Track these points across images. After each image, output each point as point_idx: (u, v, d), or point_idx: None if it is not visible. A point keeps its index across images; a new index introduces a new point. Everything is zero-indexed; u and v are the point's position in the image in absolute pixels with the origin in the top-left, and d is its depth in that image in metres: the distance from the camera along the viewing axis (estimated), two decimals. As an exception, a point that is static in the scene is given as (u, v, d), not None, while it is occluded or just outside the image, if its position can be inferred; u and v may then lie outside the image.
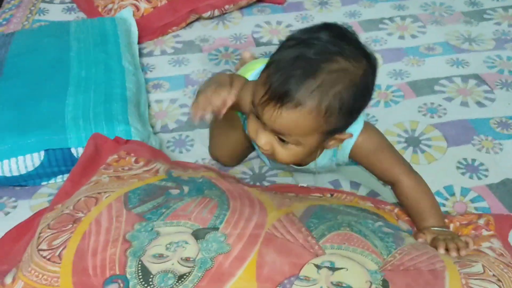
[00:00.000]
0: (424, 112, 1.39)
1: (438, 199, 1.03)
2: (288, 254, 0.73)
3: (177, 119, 1.37)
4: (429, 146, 1.26)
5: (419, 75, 1.55)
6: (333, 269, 0.71)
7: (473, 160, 1.22)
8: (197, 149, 1.26)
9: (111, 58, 1.34)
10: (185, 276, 0.69)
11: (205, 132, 1.31)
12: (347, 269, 0.71)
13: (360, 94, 0.79)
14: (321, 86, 0.74)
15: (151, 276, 0.69)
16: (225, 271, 0.69)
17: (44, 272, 0.71)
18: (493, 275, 0.75)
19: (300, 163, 0.99)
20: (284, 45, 0.81)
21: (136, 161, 0.97)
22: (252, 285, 0.68)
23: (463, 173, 1.18)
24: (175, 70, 1.60)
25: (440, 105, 1.41)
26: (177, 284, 0.68)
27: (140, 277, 0.69)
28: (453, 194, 1.12)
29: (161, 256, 0.71)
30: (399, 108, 1.41)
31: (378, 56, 1.47)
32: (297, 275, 0.70)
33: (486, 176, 1.17)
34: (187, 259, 0.71)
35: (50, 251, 0.74)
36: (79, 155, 1.06)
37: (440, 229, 0.90)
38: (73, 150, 1.08)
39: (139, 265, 0.70)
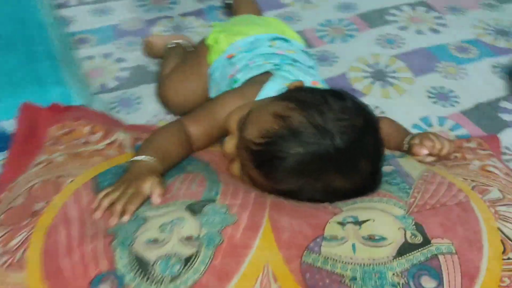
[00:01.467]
0: (383, 44, 1.32)
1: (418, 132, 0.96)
2: (303, 216, 0.62)
3: (116, 76, 1.18)
4: (396, 78, 1.20)
5: (367, 6, 1.48)
6: (358, 223, 0.61)
7: (442, 88, 1.18)
8: (147, 107, 1.10)
9: (27, 10, 1.11)
10: (192, 258, 0.56)
11: (152, 87, 1.14)
12: (374, 220, 0.62)
13: None
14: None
15: (150, 265, 0.55)
16: (239, 243, 0.57)
17: (5, 286, 0.55)
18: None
19: None
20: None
21: (92, 132, 0.80)
22: (275, 254, 0.57)
23: (435, 102, 1.13)
24: (99, 21, 1.39)
25: (397, 35, 1.35)
26: (186, 268, 0.55)
27: (136, 268, 0.55)
28: (431, 125, 1.07)
29: (156, 240, 0.58)
30: (356, 42, 1.33)
31: None
32: (322, 236, 0.60)
33: (458, 102, 1.13)
34: (188, 238, 0.58)
35: (7, 256, 0.57)
36: (10, 129, 0.87)
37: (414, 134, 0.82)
38: (1, 124, 0.88)
39: (132, 255, 0.56)
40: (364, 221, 0.62)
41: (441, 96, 1.15)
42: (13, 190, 0.68)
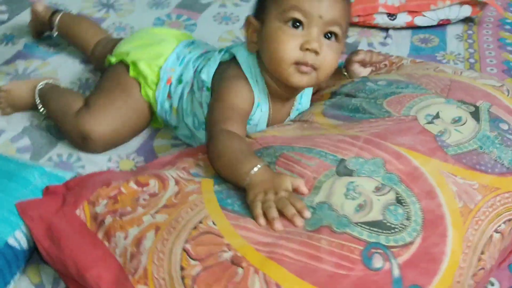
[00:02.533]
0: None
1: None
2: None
3: None
4: None
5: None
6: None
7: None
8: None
9: None
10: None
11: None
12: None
13: None
14: None
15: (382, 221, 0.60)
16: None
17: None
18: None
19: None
20: None
21: (141, 184, 0.70)
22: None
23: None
24: None
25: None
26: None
27: (380, 231, 0.59)
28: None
29: (361, 206, 0.63)
30: None
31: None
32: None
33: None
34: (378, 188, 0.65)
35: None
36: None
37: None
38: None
39: (364, 226, 0.59)
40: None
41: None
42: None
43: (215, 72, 0.87)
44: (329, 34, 0.79)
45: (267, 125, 0.87)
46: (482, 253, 0.61)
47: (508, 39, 1.34)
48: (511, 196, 0.65)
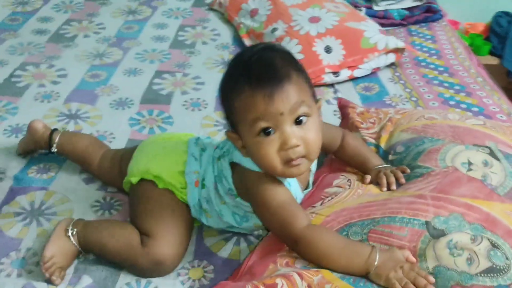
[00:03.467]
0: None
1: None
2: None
3: None
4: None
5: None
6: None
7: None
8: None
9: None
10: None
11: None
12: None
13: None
14: (286, 62, 0.84)
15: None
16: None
17: None
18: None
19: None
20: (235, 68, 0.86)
21: (271, 286, 0.74)
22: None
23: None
24: None
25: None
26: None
27: None
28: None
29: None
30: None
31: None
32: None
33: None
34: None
35: None
36: None
37: (381, 166, 0.99)
38: None
39: None
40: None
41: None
42: None
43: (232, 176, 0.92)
44: (299, 119, 0.81)
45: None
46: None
47: (429, 74, 1.61)
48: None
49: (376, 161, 1.00)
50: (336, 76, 1.55)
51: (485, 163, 0.90)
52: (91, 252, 0.96)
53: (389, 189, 0.92)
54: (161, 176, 0.98)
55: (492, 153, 0.93)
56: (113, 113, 1.41)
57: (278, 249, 0.86)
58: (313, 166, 0.97)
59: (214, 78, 1.57)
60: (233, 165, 0.93)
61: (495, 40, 2.16)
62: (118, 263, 0.94)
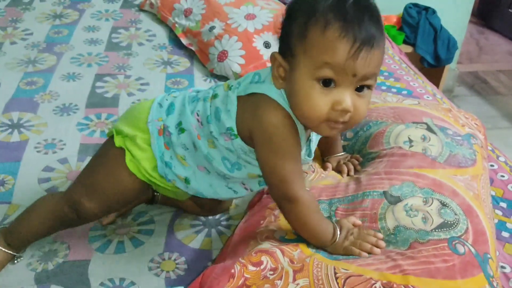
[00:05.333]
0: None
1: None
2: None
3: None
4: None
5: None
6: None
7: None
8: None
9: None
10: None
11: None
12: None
13: None
14: (380, 23, 0.75)
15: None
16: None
17: None
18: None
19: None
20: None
21: (258, 263, 0.79)
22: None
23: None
24: None
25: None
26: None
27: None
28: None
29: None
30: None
31: None
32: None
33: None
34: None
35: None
36: None
37: (340, 154, 1.07)
38: None
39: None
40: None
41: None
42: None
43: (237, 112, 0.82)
44: (363, 87, 0.75)
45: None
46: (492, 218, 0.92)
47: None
48: (485, 177, 0.99)
49: (337, 149, 1.08)
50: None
51: (424, 138, 1.03)
52: (26, 243, 0.96)
53: (348, 175, 1.02)
54: (121, 129, 0.91)
55: (429, 128, 1.05)
56: (58, 120, 1.39)
57: (255, 226, 0.92)
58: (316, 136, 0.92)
59: (158, 78, 1.60)
60: (242, 100, 0.83)
61: (408, 30, 2.36)
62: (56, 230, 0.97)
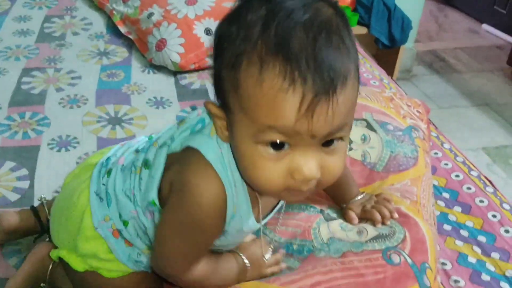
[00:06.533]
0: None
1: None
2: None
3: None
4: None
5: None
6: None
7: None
8: None
9: None
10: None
11: None
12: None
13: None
14: (346, 45, 0.52)
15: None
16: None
17: None
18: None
19: None
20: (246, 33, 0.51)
21: None
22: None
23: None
24: None
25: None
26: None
27: None
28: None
29: None
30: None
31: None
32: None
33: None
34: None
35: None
36: None
37: (361, 196, 0.84)
38: None
39: None
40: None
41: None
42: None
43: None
44: (331, 141, 0.54)
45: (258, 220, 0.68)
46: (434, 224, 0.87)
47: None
48: (427, 176, 0.93)
49: (354, 190, 0.84)
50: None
51: (364, 139, 0.96)
52: None
53: (383, 223, 0.79)
54: (66, 257, 0.75)
55: (368, 125, 0.99)
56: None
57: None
58: None
59: (92, 70, 1.48)
60: (172, 158, 0.64)
61: (362, 11, 2.29)
62: None
